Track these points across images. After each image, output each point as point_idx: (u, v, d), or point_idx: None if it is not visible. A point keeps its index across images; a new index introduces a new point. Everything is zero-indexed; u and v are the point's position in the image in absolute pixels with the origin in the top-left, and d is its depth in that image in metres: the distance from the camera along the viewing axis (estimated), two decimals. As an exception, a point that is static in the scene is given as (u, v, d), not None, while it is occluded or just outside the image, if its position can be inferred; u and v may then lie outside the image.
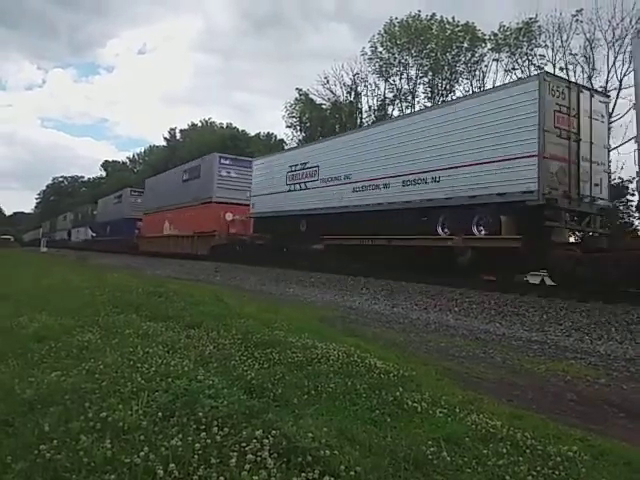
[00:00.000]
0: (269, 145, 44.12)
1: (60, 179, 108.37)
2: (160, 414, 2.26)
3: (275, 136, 49.60)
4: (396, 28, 33.97)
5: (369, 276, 12.23)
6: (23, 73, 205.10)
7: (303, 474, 1.76)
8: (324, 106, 36.99)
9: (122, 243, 34.66)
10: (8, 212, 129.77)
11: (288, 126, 39.39)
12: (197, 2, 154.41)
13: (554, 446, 2.27)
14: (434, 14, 33.38)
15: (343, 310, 8.19)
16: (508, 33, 28.80)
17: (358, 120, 35.41)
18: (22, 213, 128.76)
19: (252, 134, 53.18)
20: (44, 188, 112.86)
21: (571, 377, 4.35)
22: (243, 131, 56.51)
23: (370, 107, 36.20)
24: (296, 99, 38.85)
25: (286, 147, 37.19)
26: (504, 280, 10.90)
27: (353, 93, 36.49)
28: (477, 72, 31.58)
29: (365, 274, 12.50)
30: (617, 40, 23.47)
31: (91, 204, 50.23)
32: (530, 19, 27.49)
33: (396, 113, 35.03)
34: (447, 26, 32.71)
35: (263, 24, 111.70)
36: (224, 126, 62.58)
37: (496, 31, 29.71)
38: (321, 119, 36.39)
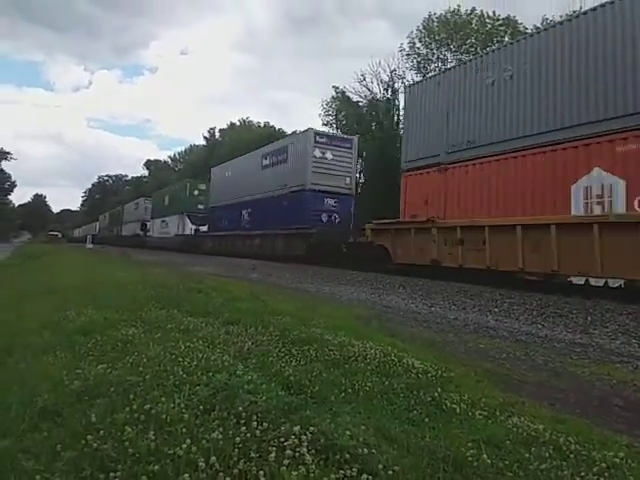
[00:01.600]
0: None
1: (105, 177, 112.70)
2: (201, 407, 2.32)
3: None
4: (435, 23, 33.51)
5: (407, 275, 12.12)
6: (70, 75, 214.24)
7: (341, 471, 1.76)
8: (360, 103, 36.84)
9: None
10: (56, 209, 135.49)
11: (324, 124, 39.40)
12: (238, 2, 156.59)
13: (599, 452, 2.20)
14: (474, 9, 32.81)
15: (379, 309, 8.15)
16: (552, 26, 27.95)
17: (395, 117, 35.08)
18: (69, 210, 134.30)
19: (289, 132, 53.50)
20: (90, 186, 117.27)
21: (617, 381, 4.19)
22: (280, 129, 57.09)
23: (407, 104, 35.79)
24: (332, 97, 38.89)
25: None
26: (547, 280, 10.57)
27: (390, 90, 36.19)
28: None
29: (402, 273, 12.39)
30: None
31: (189, 180, 37.50)
32: (574, 12, 26.60)
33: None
34: (487, 20, 32.06)
35: (302, 23, 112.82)
36: (261, 125, 63.48)
37: (539, 25, 28.91)
38: (357, 116, 36.23)
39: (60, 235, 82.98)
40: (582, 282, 10.27)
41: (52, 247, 35.20)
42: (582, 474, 1.96)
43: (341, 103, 38.02)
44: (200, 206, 32.44)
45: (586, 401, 3.61)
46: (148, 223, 41.38)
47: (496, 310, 8.05)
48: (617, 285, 9.59)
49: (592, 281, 9.92)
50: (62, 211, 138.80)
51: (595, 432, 2.60)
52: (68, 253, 25.50)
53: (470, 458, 2.00)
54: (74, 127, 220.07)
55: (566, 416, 2.95)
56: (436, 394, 2.89)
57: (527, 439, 2.32)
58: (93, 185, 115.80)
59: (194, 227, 31.80)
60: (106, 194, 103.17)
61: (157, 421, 2.17)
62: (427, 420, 2.51)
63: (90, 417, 2.22)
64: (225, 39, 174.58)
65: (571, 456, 2.15)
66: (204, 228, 30.47)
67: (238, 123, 66.77)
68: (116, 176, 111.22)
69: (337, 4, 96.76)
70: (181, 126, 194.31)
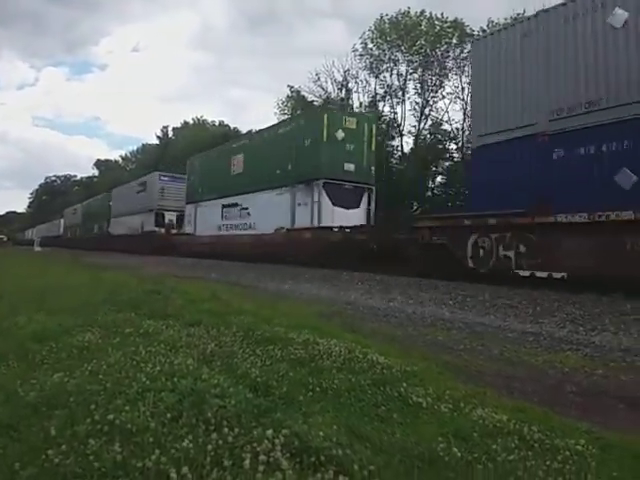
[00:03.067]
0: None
1: (53, 178, 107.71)
2: (168, 415, 2.25)
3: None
4: (386, 25, 34.02)
5: (364, 271, 12.24)
6: (15, 72, 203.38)
7: (318, 474, 1.75)
8: (315, 102, 36.92)
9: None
10: (1, 212, 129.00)
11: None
12: (193, 0, 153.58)
13: (561, 440, 2.29)
14: (423, 11, 33.62)
15: (340, 305, 8.20)
16: (497, 29, 28.92)
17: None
18: (14, 212, 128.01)
19: (244, 131, 53.02)
20: (37, 187, 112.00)
21: (569, 369, 4.39)
22: (235, 128, 56.51)
23: (361, 103, 36.33)
24: (288, 96, 38.88)
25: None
26: (496, 273, 10.86)
27: (344, 89, 36.48)
28: (466, 68, 31.66)
29: (360, 269, 12.51)
30: None
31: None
32: (518, 14, 27.58)
33: (387, 109, 35.09)
34: (436, 22, 32.91)
35: (258, 21, 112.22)
36: (216, 123, 62.53)
37: (485, 27, 29.85)
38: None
39: (5, 238, 78.89)
40: (528, 274, 10.58)
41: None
42: (548, 463, 2.03)
43: (296, 102, 38.05)
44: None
45: (542, 389, 3.76)
46: (169, 214, 27.99)
47: (451, 303, 8.26)
48: (560, 276, 9.85)
49: (537, 273, 10.23)
50: (7, 213, 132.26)
51: (555, 420, 2.71)
52: (15, 256, 24.31)
53: (441, 453, 2.04)
54: (19, 126, 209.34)
55: (525, 404, 3.06)
56: (402, 389, 2.94)
57: (493, 430, 2.39)
58: (40, 186, 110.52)
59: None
60: (54, 195, 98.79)
61: (122, 432, 2.08)
62: (395, 416, 2.54)
63: (49, 430, 2.11)
64: (180, 36, 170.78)
65: (535, 445, 2.23)
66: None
67: (192, 122, 65.43)
68: (64, 176, 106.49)
69: (293, 3, 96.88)
70: (133, 125, 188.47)
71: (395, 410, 2.64)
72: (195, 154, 27.80)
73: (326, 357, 3.63)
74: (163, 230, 27.88)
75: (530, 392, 3.62)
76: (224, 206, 21.46)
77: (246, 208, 19.83)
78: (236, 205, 20.53)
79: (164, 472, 1.76)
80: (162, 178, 29.41)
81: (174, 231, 27.50)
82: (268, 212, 17.87)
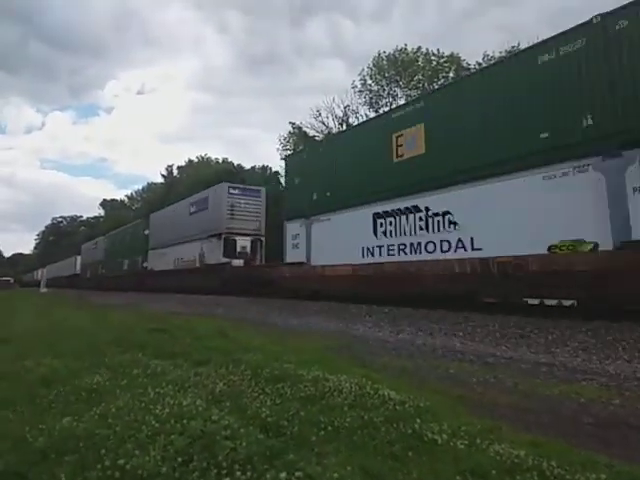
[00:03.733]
0: (265, 177, 44.46)
1: (59, 219, 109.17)
2: (179, 459, 2.22)
3: (270, 168, 50.26)
4: (384, 61, 34.97)
5: (372, 304, 12.14)
6: (23, 116, 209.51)
7: (334, 518, 1.71)
8: (317, 138, 37.59)
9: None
10: (7, 254, 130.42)
11: (282, 158, 39.84)
12: (195, 44, 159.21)
13: (582, 474, 2.23)
14: (420, 47, 34.52)
15: (348, 339, 8.12)
16: (492, 62, 29.66)
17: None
18: (21, 254, 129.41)
19: (247, 167, 53.70)
20: (43, 229, 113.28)
21: (585, 399, 4.30)
22: (239, 165, 57.31)
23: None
24: (289, 132, 39.65)
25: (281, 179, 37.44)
26: (505, 302, 10.75)
27: (345, 125, 37.15)
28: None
29: (367, 302, 12.41)
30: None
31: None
32: (512, 47, 28.28)
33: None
34: (432, 57, 33.80)
35: (259, 62, 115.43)
36: (220, 161, 63.56)
37: (480, 60, 30.60)
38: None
39: (12, 280, 79.25)
40: (537, 302, 10.49)
41: (4, 293, 33.40)
42: (569, 500, 1.97)
43: (298, 138, 38.80)
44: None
45: (559, 421, 3.67)
46: (242, 240, 21.35)
47: (461, 334, 8.16)
48: (570, 304, 9.66)
49: (546, 301, 10.11)
50: (13, 255, 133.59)
51: (573, 453, 2.64)
52: (21, 298, 24.32)
53: (459, 492, 1.98)
54: (26, 169, 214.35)
55: (543, 439, 2.99)
56: (416, 425, 2.88)
57: (511, 467, 2.33)
58: (46, 227, 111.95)
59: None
60: (60, 236, 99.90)
61: (133, 477, 2.05)
62: (411, 454, 2.48)
63: (60, 477, 2.09)
64: (182, 78, 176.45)
65: (555, 481, 2.17)
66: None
67: (196, 160, 66.61)
68: (71, 217, 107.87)
69: (293, 45, 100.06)
70: (139, 165, 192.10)
71: (410, 448, 2.58)
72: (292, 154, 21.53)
73: (337, 394, 3.58)
74: (240, 261, 20.50)
75: (546, 425, 3.54)
76: (378, 215, 12.64)
77: (445, 214, 10.87)
78: (414, 211, 11.66)
79: (177, 519, 1.72)
80: (232, 191, 21.70)
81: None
82: (514, 216, 9.22)
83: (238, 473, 2.02)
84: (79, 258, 52.55)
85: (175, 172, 68.62)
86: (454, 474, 2.17)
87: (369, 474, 2.15)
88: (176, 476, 2.06)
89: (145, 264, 30.18)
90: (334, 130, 37.30)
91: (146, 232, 30.84)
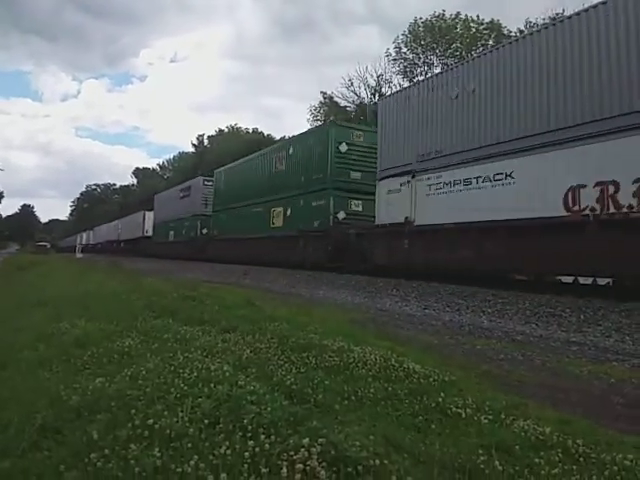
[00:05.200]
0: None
1: (93, 187, 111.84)
2: (206, 421, 2.26)
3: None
4: (420, 28, 33.86)
5: (399, 278, 12.11)
6: (59, 84, 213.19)
7: (356, 485, 1.73)
8: (348, 108, 37.06)
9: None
10: (44, 219, 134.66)
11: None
12: (228, 10, 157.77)
13: (608, 454, 2.19)
14: (458, 13, 33.23)
15: (374, 312, 8.14)
16: (535, 29, 28.40)
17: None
18: (57, 220, 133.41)
19: (277, 138, 53.59)
20: (78, 196, 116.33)
21: (615, 380, 4.22)
22: (269, 135, 57.33)
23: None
24: (321, 102, 39.13)
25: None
26: (537, 280, 10.56)
27: (377, 94, 36.41)
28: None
29: (395, 276, 12.39)
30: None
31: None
32: (557, 14, 26.98)
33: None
34: (472, 24, 32.53)
35: (293, 29, 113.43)
36: (250, 131, 63.49)
37: (522, 27, 29.29)
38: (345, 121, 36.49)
39: (49, 245, 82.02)
40: (571, 280, 10.25)
41: (41, 257, 34.68)
42: (594, 478, 1.95)
43: (329, 108, 38.31)
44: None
45: (587, 400, 3.62)
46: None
47: (489, 311, 8.08)
48: (605, 283, 9.49)
49: (581, 279, 9.92)
50: (50, 221, 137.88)
51: (600, 432, 2.60)
52: (58, 263, 25.20)
53: (482, 465, 1.98)
54: (62, 137, 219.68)
55: (570, 417, 2.95)
56: (440, 399, 2.87)
57: (535, 443, 2.31)
58: (81, 194, 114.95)
59: None
60: (94, 203, 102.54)
61: (162, 437, 2.11)
62: (434, 427, 2.48)
63: (92, 434, 2.15)
64: (215, 46, 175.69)
65: (580, 459, 2.14)
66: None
67: (227, 130, 66.76)
68: (104, 185, 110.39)
69: (328, 10, 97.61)
70: (170, 134, 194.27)
71: (433, 420, 2.58)
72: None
73: (361, 365, 3.60)
74: None
75: (574, 403, 3.50)
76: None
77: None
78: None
79: (203, 478, 1.77)
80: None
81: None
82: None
83: (262, 437, 2.06)
84: (149, 215, 39.09)
85: (206, 142, 69.02)
86: (477, 447, 2.16)
87: (391, 444, 2.16)
88: (202, 437, 2.11)
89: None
90: (366, 100, 36.68)
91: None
